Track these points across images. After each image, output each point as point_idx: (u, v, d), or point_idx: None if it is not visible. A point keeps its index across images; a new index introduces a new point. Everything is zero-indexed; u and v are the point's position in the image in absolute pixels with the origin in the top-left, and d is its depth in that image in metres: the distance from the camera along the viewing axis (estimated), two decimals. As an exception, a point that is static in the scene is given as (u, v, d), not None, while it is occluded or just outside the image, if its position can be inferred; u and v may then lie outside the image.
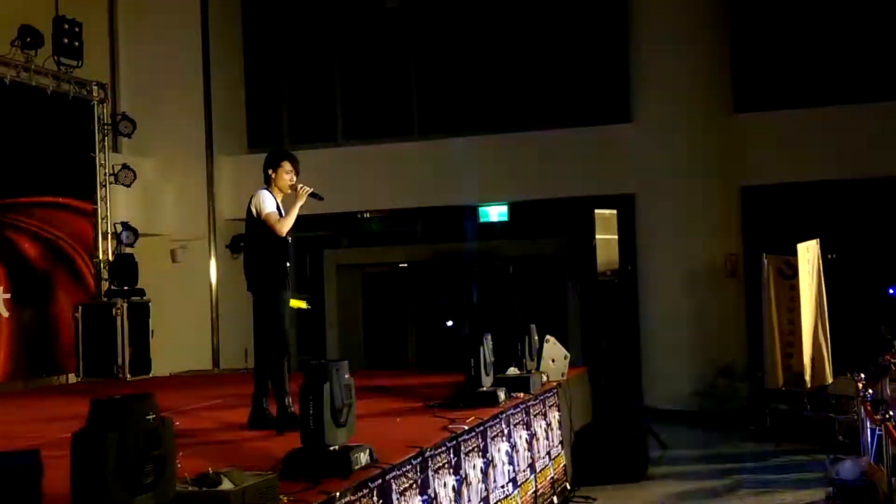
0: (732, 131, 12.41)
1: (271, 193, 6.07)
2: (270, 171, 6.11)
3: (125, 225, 11.81)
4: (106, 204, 11.72)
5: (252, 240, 6.19)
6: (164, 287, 12.20)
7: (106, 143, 11.84)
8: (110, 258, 11.62)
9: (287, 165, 6.13)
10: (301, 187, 6.10)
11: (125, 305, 10.98)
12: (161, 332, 11.50)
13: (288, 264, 6.11)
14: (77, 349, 10.85)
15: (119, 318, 10.88)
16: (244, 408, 7.39)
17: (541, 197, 13.59)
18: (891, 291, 12.71)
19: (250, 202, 6.06)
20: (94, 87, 11.73)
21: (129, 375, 10.79)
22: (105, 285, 11.48)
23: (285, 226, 6.00)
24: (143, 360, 11.09)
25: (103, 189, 11.70)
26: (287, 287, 6.09)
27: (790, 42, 13.08)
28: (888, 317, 11.84)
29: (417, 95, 14.41)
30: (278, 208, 6.05)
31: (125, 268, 11.39)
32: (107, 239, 11.69)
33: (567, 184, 13.04)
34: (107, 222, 11.71)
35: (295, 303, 6.40)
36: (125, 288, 11.24)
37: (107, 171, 11.75)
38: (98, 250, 11.58)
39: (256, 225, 6.03)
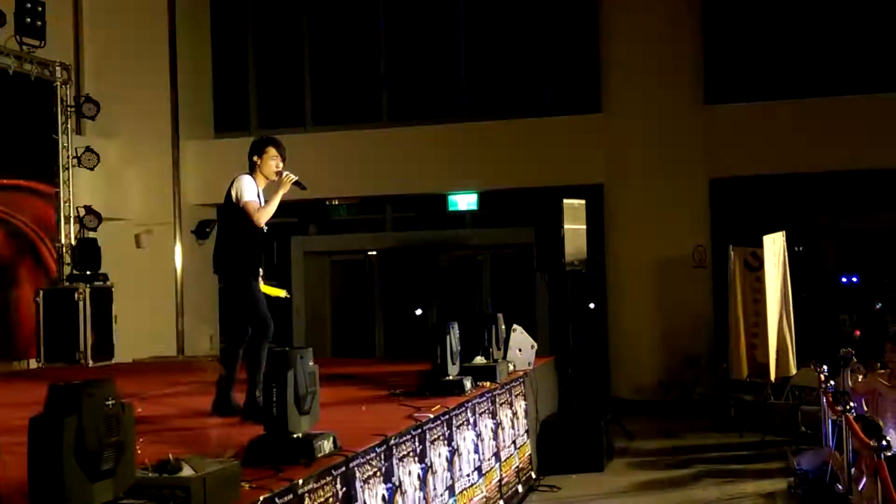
0: (702, 123, 12.46)
1: (254, 180, 5.90)
2: (256, 158, 5.93)
3: (88, 209, 11.64)
4: (69, 187, 11.53)
5: (226, 225, 6.02)
6: (128, 272, 12.05)
7: (69, 126, 11.65)
8: (73, 242, 11.45)
9: (272, 151, 5.94)
10: (286, 175, 5.93)
11: (88, 290, 10.83)
12: (124, 317, 11.37)
13: (262, 253, 5.99)
14: (38, 334, 10.69)
15: (81, 303, 10.73)
16: (208, 395, 7.31)
17: (509, 186, 13.59)
18: (843, 280, 12.88)
19: (231, 186, 5.86)
20: (58, 68, 11.53)
21: (91, 361, 10.65)
22: (67, 270, 11.32)
23: (265, 215, 5.84)
24: (106, 346, 10.96)
25: (66, 172, 11.52)
26: (257, 276, 5.95)
27: (762, 34, 13.16)
28: (848, 306, 12.01)
29: (387, 82, 14.32)
30: (259, 197, 5.90)
31: (88, 252, 11.24)
32: (69, 223, 11.52)
33: (536, 173, 13.04)
34: (69, 206, 11.53)
35: (273, 291, 6.26)
36: (88, 273, 11.09)
37: (70, 153, 11.56)
38: (60, 234, 11.41)
39: (233, 210, 5.85)
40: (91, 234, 11.59)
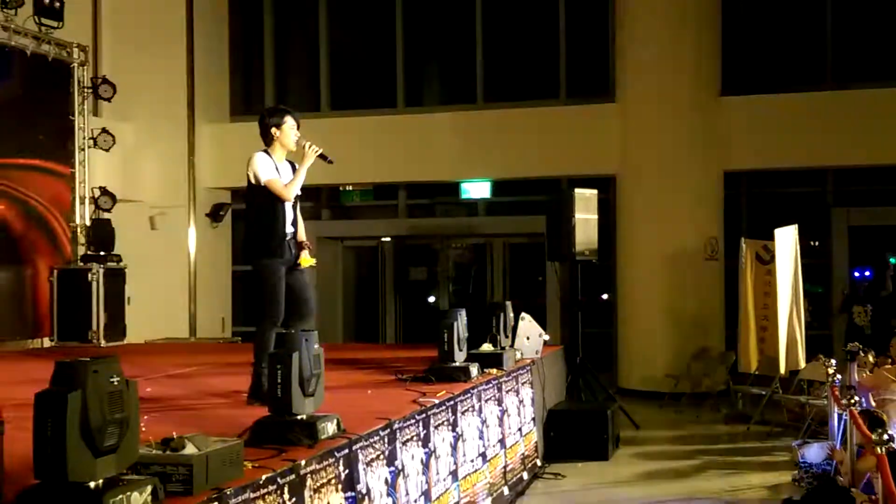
0: (717, 115, 12.41)
1: (268, 155, 5.70)
2: (274, 130, 5.69)
3: (103, 190, 11.72)
4: (84, 168, 11.61)
5: (249, 207, 5.87)
6: (142, 254, 12.13)
7: (86, 107, 11.71)
8: (87, 223, 11.54)
9: (290, 120, 5.75)
10: (309, 146, 5.74)
11: (101, 271, 10.91)
12: (137, 298, 11.46)
13: (291, 230, 5.77)
14: (52, 313, 10.79)
15: (95, 284, 10.81)
16: (218, 376, 7.42)
17: (523, 175, 13.61)
18: (855, 274, 12.85)
19: (247, 168, 5.68)
20: (75, 49, 11.59)
21: (103, 341, 10.74)
22: (81, 250, 11.41)
23: (292, 190, 5.68)
24: (119, 327, 11.05)
25: (82, 153, 11.59)
26: (283, 255, 5.71)
27: (779, 25, 13.11)
28: (862, 299, 11.98)
29: (403, 68, 14.32)
30: (278, 170, 5.71)
31: (102, 233, 11.32)
32: (84, 203, 11.60)
33: (549, 162, 13.05)
34: (84, 186, 11.61)
35: (307, 261, 6.09)
36: (102, 253, 11.18)
37: (86, 134, 11.63)
38: (75, 214, 11.49)
39: (255, 192, 5.68)
40: (105, 215, 11.67)
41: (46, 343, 10.86)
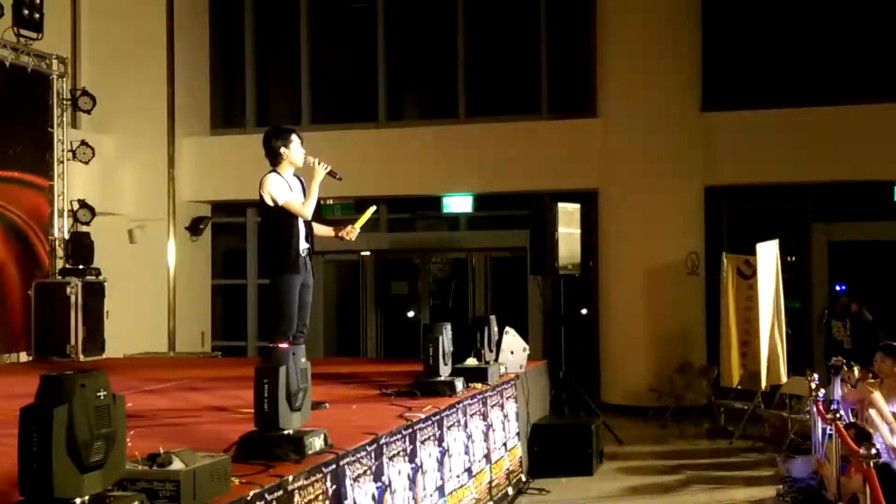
0: (698, 130, 12.47)
1: (279, 174, 5.86)
2: (283, 149, 5.86)
3: (82, 203, 11.61)
4: (63, 181, 11.50)
5: (265, 227, 6.09)
6: (121, 267, 12.02)
7: (65, 119, 11.63)
8: (66, 236, 11.42)
9: (296, 139, 5.92)
10: (317, 162, 5.91)
11: (80, 284, 10.79)
12: (116, 313, 11.34)
13: (306, 246, 5.91)
14: (29, 327, 10.65)
15: (73, 297, 10.69)
16: (201, 391, 7.33)
17: (504, 189, 13.61)
18: (837, 289, 12.93)
19: (260, 189, 5.82)
20: (54, 61, 11.50)
21: (81, 356, 10.61)
22: (60, 263, 11.28)
23: (309, 208, 5.87)
24: (97, 341, 10.92)
25: (61, 166, 11.49)
26: (299, 272, 5.87)
27: (760, 42, 13.21)
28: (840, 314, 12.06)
29: (385, 81, 14.31)
30: (290, 189, 5.87)
31: (81, 246, 11.21)
32: (63, 216, 11.48)
33: (531, 177, 13.05)
34: (63, 199, 11.50)
35: (363, 218, 6.16)
36: (80, 267, 11.06)
37: (65, 147, 11.53)
38: (54, 227, 11.37)
39: (270, 211, 5.83)
40: (84, 229, 11.55)
41: (24, 357, 10.71)
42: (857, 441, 5.43)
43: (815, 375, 7.85)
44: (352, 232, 6.21)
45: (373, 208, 6.34)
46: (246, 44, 14.83)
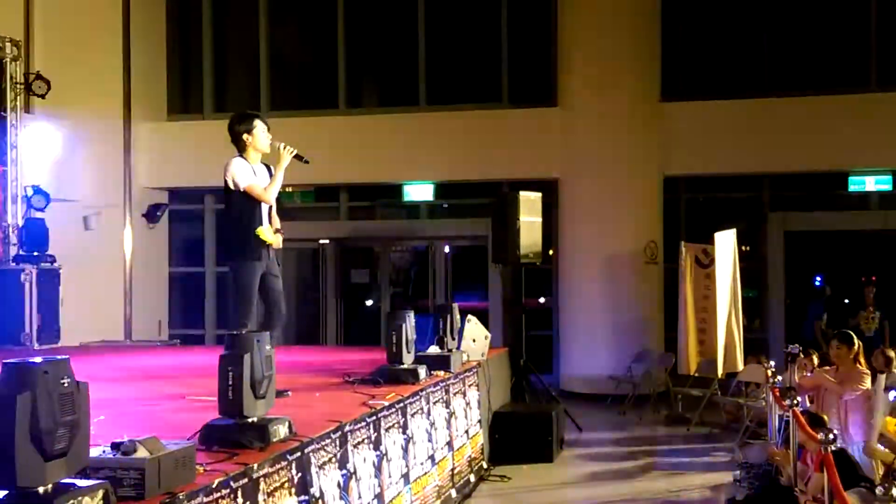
0: (657, 120, 12.58)
1: (243, 159, 5.80)
2: (246, 136, 5.80)
3: (36, 188, 11.39)
4: (17, 166, 11.28)
5: (226, 212, 5.96)
6: (76, 255, 11.81)
7: (18, 103, 11.39)
8: (20, 222, 11.20)
9: (260, 124, 5.85)
10: (283, 147, 5.84)
11: (34, 271, 10.61)
12: (72, 300, 11.16)
13: (263, 229, 5.82)
14: (-18, 315, 10.45)
15: (28, 285, 10.51)
16: (161, 378, 7.25)
17: (465, 178, 13.61)
18: (817, 281, 13.11)
19: (224, 173, 5.76)
20: (7, 44, 11.26)
21: (36, 344, 10.44)
22: (13, 250, 11.07)
23: (272, 193, 5.80)
24: (53, 329, 10.75)
25: (14, 151, 11.26)
26: (260, 258, 5.81)
27: (719, 33, 13.35)
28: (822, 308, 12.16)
29: (345, 68, 14.22)
30: (254, 174, 5.80)
31: (35, 233, 11.01)
32: (17, 202, 11.26)
33: (492, 165, 13.08)
34: (17, 185, 11.28)
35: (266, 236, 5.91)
36: (35, 253, 10.86)
37: (18, 132, 11.30)
38: (7, 214, 11.15)
39: (232, 196, 5.77)
40: (39, 215, 11.34)
41: (-24, 346, 10.50)
42: (812, 427, 5.53)
43: (772, 363, 7.98)
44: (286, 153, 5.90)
45: (289, 149, 5.92)
46: (203, 28, 14.64)
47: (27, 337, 10.46)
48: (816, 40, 13.05)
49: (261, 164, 5.92)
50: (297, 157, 5.92)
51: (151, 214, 13.77)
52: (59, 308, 10.87)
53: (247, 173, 5.77)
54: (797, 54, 13.05)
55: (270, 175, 5.92)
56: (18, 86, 11.37)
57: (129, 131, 13.31)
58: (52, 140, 11.60)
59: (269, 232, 5.88)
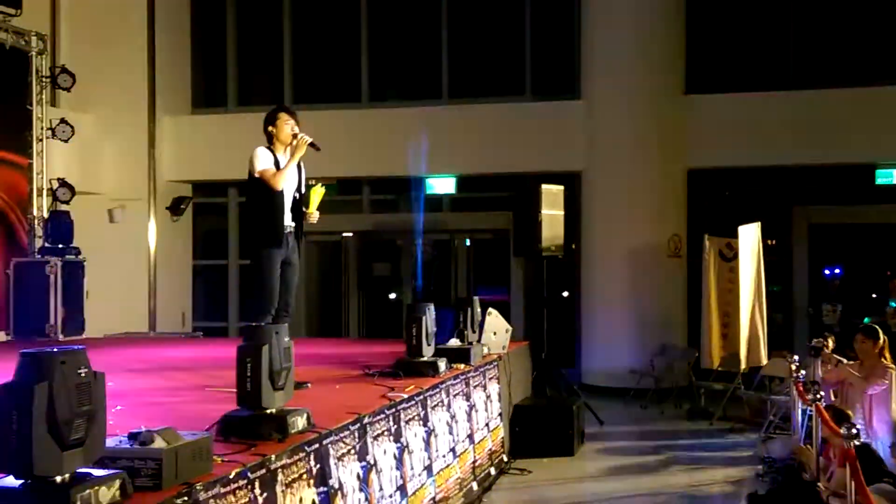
0: (682, 113, 12.47)
1: (269, 150, 5.89)
2: (271, 128, 5.94)
3: (62, 181, 11.49)
4: (42, 159, 11.39)
5: (246, 200, 6.08)
6: (101, 247, 11.93)
7: (44, 97, 11.51)
8: (45, 215, 11.31)
9: (284, 116, 5.96)
10: (301, 136, 5.92)
11: (59, 264, 10.70)
12: (96, 292, 11.26)
13: (286, 219, 5.90)
14: (7, 307, 10.56)
15: (53, 277, 10.61)
16: (182, 370, 7.30)
17: (488, 171, 13.57)
18: (826, 272, 12.99)
19: (249, 162, 5.88)
20: (33, 38, 11.36)
21: (61, 335, 10.54)
22: (39, 242, 11.18)
23: (280, 179, 5.83)
24: (77, 320, 10.85)
25: (40, 144, 11.37)
26: (281, 245, 5.87)
27: (744, 25, 13.20)
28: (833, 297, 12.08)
29: (368, 62, 14.22)
30: (277, 164, 5.86)
31: (60, 225, 11.11)
32: (42, 195, 11.37)
33: (515, 158, 13.03)
34: (42, 178, 11.39)
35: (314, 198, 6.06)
36: (60, 246, 10.96)
37: (44, 125, 11.41)
38: (33, 206, 11.27)
39: (251, 184, 5.88)
40: (64, 207, 11.44)
41: (2, 337, 10.62)
42: (836, 422, 5.47)
43: (796, 357, 7.90)
44: (311, 217, 6.15)
45: (319, 187, 6.18)
46: (228, 22, 14.69)
47: (52, 328, 10.56)
48: (842, 33, 12.89)
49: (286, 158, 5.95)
50: (311, 145, 5.97)
51: (175, 207, 13.85)
52: (83, 300, 10.96)
53: (266, 160, 5.84)
54: (823, 47, 12.90)
55: (300, 169, 6.00)
56: (44, 79, 11.48)
57: (153, 124, 13.39)
58: (77, 133, 11.66)
59: (289, 217, 5.92)
